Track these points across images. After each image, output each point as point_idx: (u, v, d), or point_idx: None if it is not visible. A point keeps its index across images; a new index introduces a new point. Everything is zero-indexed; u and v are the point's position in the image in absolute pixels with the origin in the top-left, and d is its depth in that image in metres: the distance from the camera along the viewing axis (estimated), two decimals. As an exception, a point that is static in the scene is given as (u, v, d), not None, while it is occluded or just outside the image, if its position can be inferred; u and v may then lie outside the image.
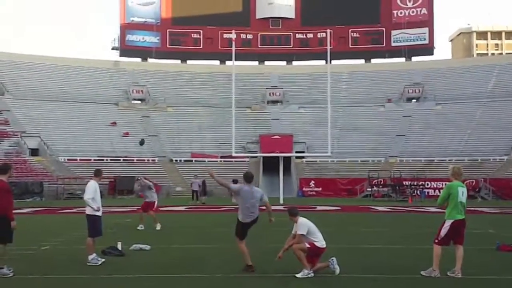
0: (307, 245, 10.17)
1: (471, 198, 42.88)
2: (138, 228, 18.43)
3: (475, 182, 44.97)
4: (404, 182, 44.64)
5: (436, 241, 10.28)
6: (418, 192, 43.35)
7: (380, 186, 45.35)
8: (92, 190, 11.71)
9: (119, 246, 12.81)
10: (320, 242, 10.31)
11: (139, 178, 21.87)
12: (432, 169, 51.87)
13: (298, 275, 10.00)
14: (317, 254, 10.28)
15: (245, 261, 10.70)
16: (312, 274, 10.02)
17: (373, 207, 32.81)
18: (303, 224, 10.29)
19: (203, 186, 39.21)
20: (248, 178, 11.01)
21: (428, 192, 44.45)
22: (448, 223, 10.23)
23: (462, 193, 10.35)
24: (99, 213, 11.75)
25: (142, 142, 55.92)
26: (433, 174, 49.17)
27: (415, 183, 44.46)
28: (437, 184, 45.76)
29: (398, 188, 43.65)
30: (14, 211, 10.53)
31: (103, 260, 11.51)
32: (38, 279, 10.11)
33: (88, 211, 11.70)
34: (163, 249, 13.74)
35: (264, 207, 10.96)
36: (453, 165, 11.11)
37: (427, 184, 45.52)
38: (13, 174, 11.30)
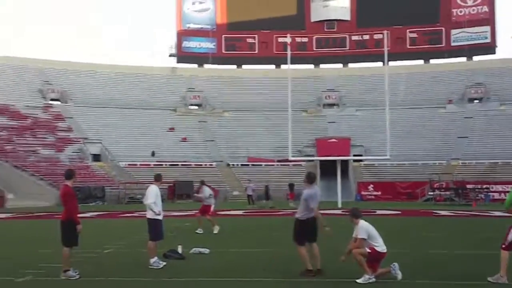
0: (368, 250, 9.95)
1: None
2: (197, 231, 18.52)
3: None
4: (467, 185, 43.48)
5: (503, 246, 9.86)
6: (482, 195, 42.10)
7: (442, 190, 44.22)
8: (153, 194, 11.80)
9: (180, 250, 12.91)
10: (381, 246, 10.07)
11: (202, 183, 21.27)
12: (497, 171, 50.39)
13: (358, 281, 9.79)
14: (377, 259, 10.04)
15: (305, 266, 10.57)
16: (374, 279, 9.79)
17: (435, 211, 32.05)
18: (364, 228, 10.07)
19: (266, 190, 39.03)
20: (312, 178, 10.91)
21: (493, 196, 43.11)
22: None
23: None
24: (160, 217, 11.83)
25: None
26: (497, 177, 47.77)
27: (479, 186, 43.24)
28: (502, 187, 44.33)
29: (461, 192, 42.49)
30: (78, 215, 10.73)
31: (165, 263, 11.60)
32: (102, 281, 10.27)
33: (150, 215, 11.79)
34: (222, 253, 13.76)
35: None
36: None
37: (492, 187, 44.14)
38: (77, 180, 11.53)
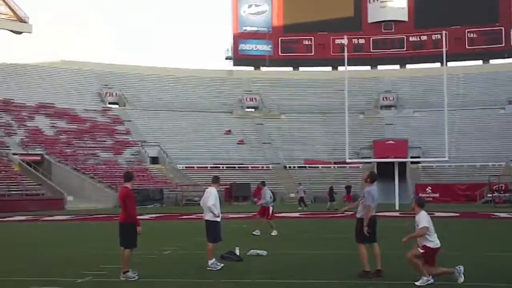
0: (421, 250, 9.97)
1: None
2: (254, 233, 18.81)
3: None
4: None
5: None
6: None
7: (502, 192, 43.24)
8: (213, 196, 12.07)
9: (237, 251, 13.16)
10: (435, 242, 10.07)
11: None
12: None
13: (417, 283, 9.82)
14: (432, 255, 10.04)
15: (363, 266, 10.68)
16: (432, 281, 9.81)
17: (494, 213, 31.44)
18: (426, 217, 10.09)
19: (331, 192, 38.88)
20: (375, 177, 11.21)
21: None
22: None
23: None
24: (219, 219, 12.12)
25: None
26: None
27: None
28: None
29: (521, 194, 41.48)
30: (137, 217, 11.12)
31: (223, 265, 11.85)
32: (160, 283, 10.59)
33: (209, 217, 12.04)
34: (279, 255, 13.93)
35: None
36: None
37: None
38: (135, 182, 11.92)
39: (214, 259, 11.82)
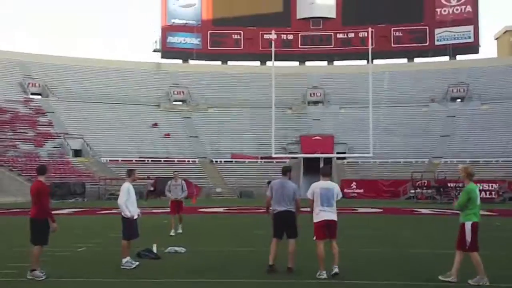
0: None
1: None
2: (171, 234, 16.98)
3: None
4: (449, 184, 43.52)
5: (467, 247, 9.69)
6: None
7: (424, 188, 44.26)
8: (125, 192, 11.43)
9: (154, 249, 12.55)
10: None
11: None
12: (478, 170, 50.34)
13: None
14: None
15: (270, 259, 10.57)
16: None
17: (416, 209, 32.01)
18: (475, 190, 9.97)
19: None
20: (284, 170, 11.13)
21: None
22: (468, 225, 9.70)
23: (478, 194, 9.94)
24: (133, 216, 11.48)
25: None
26: (479, 176, 47.83)
27: (460, 185, 43.26)
28: (483, 186, 44.44)
29: (443, 190, 42.56)
30: (55, 212, 10.40)
31: (138, 263, 11.22)
32: (69, 283, 9.91)
33: (123, 213, 11.46)
34: (199, 252, 13.40)
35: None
36: (463, 165, 10.37)
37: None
38: (52, 175, 11.14)
39: (128, 257, 11.17)
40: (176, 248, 13.25)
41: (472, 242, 9.63)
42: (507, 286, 9.61)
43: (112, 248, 13.33)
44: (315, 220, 10.24)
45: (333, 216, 10.28)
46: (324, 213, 10.18)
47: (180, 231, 17.27)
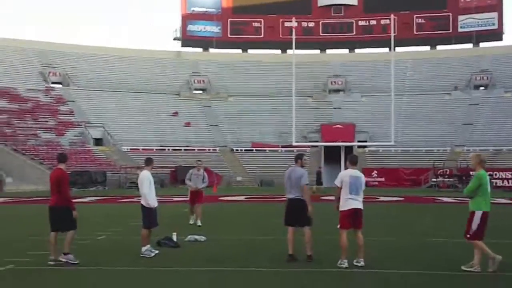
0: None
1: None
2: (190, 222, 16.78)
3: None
4: (471, 172, 42.97)
5: (468, 236, 9.62)
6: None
7: (446, 177, 43.82)
8: (147, 181, 11.35)
9: (174, 237, 12.47)
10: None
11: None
12: (501, 159, 49.92)
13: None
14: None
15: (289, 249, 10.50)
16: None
17: (438, 198, 31.65)
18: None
19: (318, 175, 37.99)
20: (296, 157, 10.91)
21: (496, 183, 42.70)
22: (478, 215, 9.55)
23: (489, 181, 9.80)
24: (153, 205, 11.43)
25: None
26: (501, 164, 47.33)
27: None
28: (505, 174, 44.04)
29: (465, 179, 42.01)
30: (76, 200, 10.39)
31: (157, 251, 11.16)
32: (87, 271, 9.83)
33: (143, 202, 11.41)
34: (219, 241, 13.30)
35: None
36: (476, 153, 10.16)
37: (495, 174, 43.74)
38: (72, 164, 11.14)
39: (148, 246, 11.11)
40: (196, 237, 13.16)
41: (477, 231, 9.51)
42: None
43: (132, 237, 13.27)
44: (341, 209, 10.08)
45: (360, 205, 10.13)
46: (352, 201, 10.03)
47: (199, 224, 16.14)
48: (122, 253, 11.47)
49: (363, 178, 10.34)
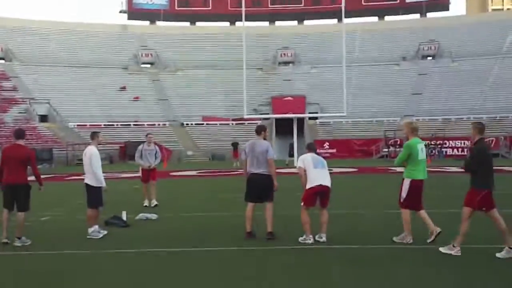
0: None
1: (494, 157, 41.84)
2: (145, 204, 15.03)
3: (495, 140, 43.70)
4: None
5: (400, 203, 9.53)
6: (437, 151, 42.18)
7: (397, 146, 44.11)
8: (96, 158, 10.61)
9: (124, 216, 11.79)
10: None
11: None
12: (450, 127, 50.59)
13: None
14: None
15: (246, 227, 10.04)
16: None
17: (391, 168, 31.70)
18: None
19: (291, 148, 37.29)
20: (258, 130, 10.39)
21: (446, 152, 43.28)
22: (407, 182, 9.43)
23: (421, 150, 9.53)
24: (102, 184, 10.73)
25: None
26: (451, 133, 47.98)
27: (433, 143, 43.26)
28: (455, 143, 44.63)
29: (415, 148, 42.45)
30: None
31: (106, 232, 10.53)
32: (28, 257, 9.12)
33: (89, 180, 10.65)
34: (172, 219, 12.66)
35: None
36: (407, 121, 10.00)
37: (446, 143, 44.31)
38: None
39: (96, 226, 10.43)
40: (147, 215, 12.49)
41: (408, 199, 9.36)
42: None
43: (78, 217, 12.56)
44: (308, 186, 9.64)
45: (328, 182, 9.78)
46: (320, 176, 9.68)
47: (155, 203, 14.83)
48: (67, 235, 10.75)
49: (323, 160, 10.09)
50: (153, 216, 12.50)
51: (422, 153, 9.49)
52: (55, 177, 29.48)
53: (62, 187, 23.88)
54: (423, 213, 9.48)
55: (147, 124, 53.63)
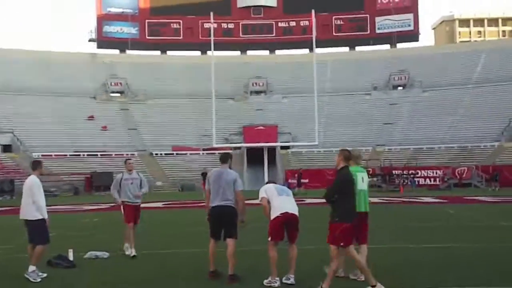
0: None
1: (464, 187, 41.42)
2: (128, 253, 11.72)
3: (467, 170, 43.39)
4: (393, 172, 42.88)
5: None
6: (409, 181, 41.63)
7: (370, 176, 43.40)
8: (37, 187, 9.55)
9: (71, 255, 10.54)
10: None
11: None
12: (422, 157, 50.28)
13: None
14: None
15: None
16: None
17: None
18: None
19: (299, 177, 36.74)
20: (223, 158, 9.33)
21: (419, 181, 42.76)
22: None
23: (362, 179, 8.57)
24: (46, 215, 9.64)
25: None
26: (423, 162, 47.61)
27: (405, 172, 42.74)
28: (427, 173, 44.16)
29: (388, 178, 41.86)
30: None
31: (45, 275, 9.23)
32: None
33: (33, 215, 9.52)
34: (126, 258, 11.21)
35: None
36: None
37: (418, 173, 43.82)
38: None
39: (35, 268, 9.20)
40: (97, 253, 11.15)
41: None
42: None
43: (20, 254, 11.28)
44: (272, 216, 8.60)
45: (295, 210, 8.68)
46: (284, 204, 8.62)
47: (133, 252, 11.37)
48: (5, 278, 9.51)
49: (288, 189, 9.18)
50: (105, 254, 11.18)
51: (362, 183, 8.55)
52: (13, 210, 27.99)
53: (18, 221, 22.42)
54: (364, 249, 8.60)
55: (115, 154, 52.34)
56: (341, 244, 7.81)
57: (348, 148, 8.66)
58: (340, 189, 7.88)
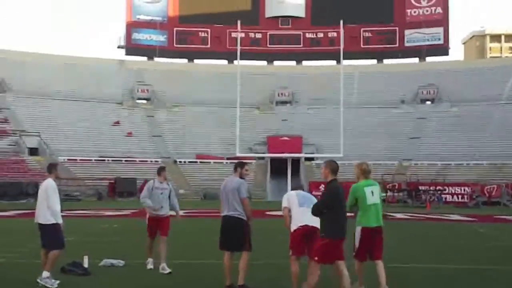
0: None
1: (493, 205, 40.40)
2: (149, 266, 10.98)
3: (497, 188, 42.38)
4: (420, 187, 42.09)
5: (354, 254, 8.43)
6: (436, 198, 40.79)
7: (395, 191, 42.73)
8: (52, 190, 9.34)
9: (85, 261, 10.31)
10: None
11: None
12: (449, 173, 49.41)
13: None
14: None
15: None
16: None
17: (390, 213, 30.31)
18: None
19: None
20: (234, 167, 9.18)
21: (446, 198, 41.87)
22: (358, 230, 8.35)
23: (371, 193, 8.32)
24: (60, 220, 9.43)
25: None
26: (450, 179, 46.74)
27: (432, 188, 41.91)
28: (455, 190, 43.19)
29: (415, 194, 41.05)
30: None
31: (58, 282, 8.98)
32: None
33: (46, 219, 9.31)
34: (142, 267, 10.79)
35: None
36: (358, 162, 8.90)
37: (445, 189, 42.90)
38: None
39: (49, 274, 8.95)
40: (113, 261, 10.90)
41: (359, 249, 8.32)
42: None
43: (35, 260, 11.02)
44: (292, 228, 8.31)
45: (315, 222, 8.19)
46: (304, 216, 8.26)
47: (167, 270, 10.40)
48: (17, 283, 9.27)
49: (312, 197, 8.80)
50: (120, 262, 10.93)
51: (372, 197, 8.28)
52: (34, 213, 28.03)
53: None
54: (380, 266, 8.36)
55: (139, 160, 52.45)
56: (315, 258, 7.61)
57: (359, 162, 8.51)
58: (329, 203, 7.68)
